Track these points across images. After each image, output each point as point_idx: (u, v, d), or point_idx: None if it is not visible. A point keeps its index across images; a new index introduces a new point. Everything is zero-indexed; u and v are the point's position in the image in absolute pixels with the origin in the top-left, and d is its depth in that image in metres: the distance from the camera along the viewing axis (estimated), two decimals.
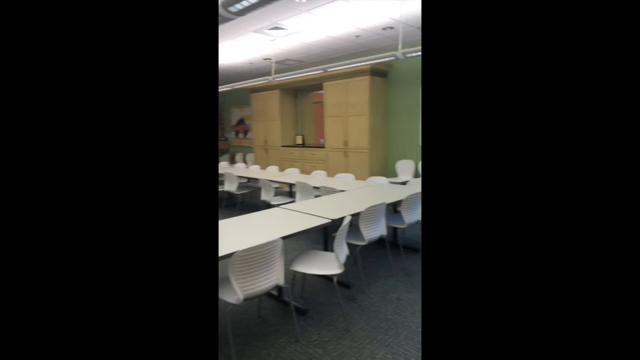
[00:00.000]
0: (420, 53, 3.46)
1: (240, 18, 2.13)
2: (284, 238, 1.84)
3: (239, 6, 1.88)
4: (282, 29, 3.99)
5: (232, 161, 8.46)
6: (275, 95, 6.66)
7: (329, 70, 4.39)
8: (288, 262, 2.03)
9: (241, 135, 8.68)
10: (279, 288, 2.41)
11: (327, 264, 2.10)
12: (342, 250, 2.13)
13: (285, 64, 6.08)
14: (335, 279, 2.07)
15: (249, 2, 1.81)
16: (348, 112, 5.40)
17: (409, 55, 3.49)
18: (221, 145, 9.05)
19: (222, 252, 1.64)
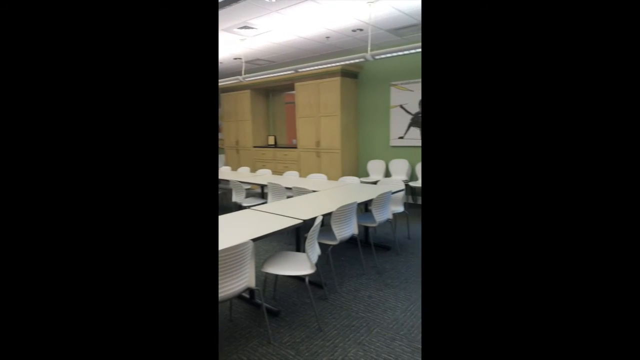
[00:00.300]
0: (389, 55, 3.54)
1: None
2: (255, 240, 1.82)
3: None
4: (252, 28, 3.95)
5: None
6: (246, 95, 6.57)
7: (300, 70, 4.39)
8: (260, 264, 2.01)
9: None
10: (250, 290, 2.38)
11: (299, 265, 2.10)
12: (314, 251, 2.13)
13: (256, 64, 6.02)
14: (307, 279, 2.07)
15: None
16: (320, 113, 5.42)
17: (378, 57, 3.55)
18: None
19: None
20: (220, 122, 7.96)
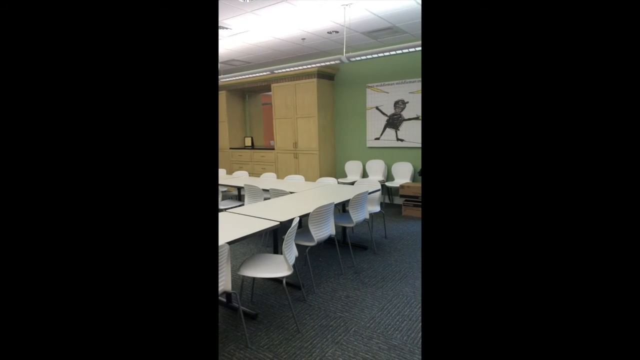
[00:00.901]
0: (364, 57, 3.59)
1: None
2: (231, 243, 1.80)
3: None
4: (227, 28, 3.90)
5: None
6: (222, 96, 6.47)
7: (276, 72, 4.37)
8: (237, 267, 1.98)
9: None
10: (227, 294, 2.35)
11: (276, 267, 2.09)
12: (291, 252, 2.13)
13: (231, 65, 5.95)
14: (284, 281, 2.07)
15: None
16: (297, 114, 5.42)
17: (353, 59, 3.60)
18: None
19: None
20: None
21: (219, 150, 6.78)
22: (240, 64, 5.93)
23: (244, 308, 2.24)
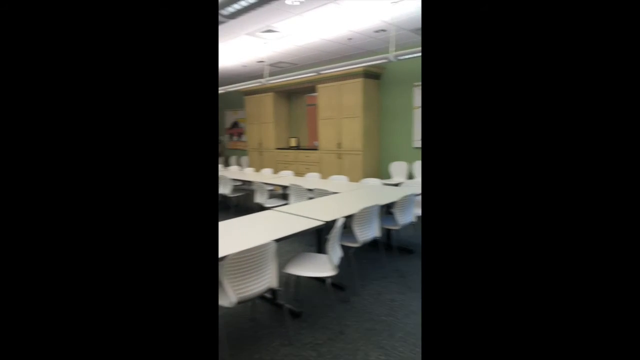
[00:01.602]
0: (412, 55, 3.49)
1: (233, 21, 2.13)
2: (277, 240, 1.83)
3: (231, 9, 1.88)
4: (275, 31, 4.00)
5: (226, 164, 8.43)
6: (269, 98, 6.65)
7: (322, 72, 4.40)
8: (282, 265, 2.02)
9: (235, 138, 8.66)
10: (272, 291, 2.40)
11: (320, 266, 2.10)
12: (335, 252, 2.13)
13: (278, 67, 6.09)
14: (328, 281, 2.07)
15: (240, 5, 1.81)
16: (341, 115, 5.41)
17: (401, 57, 3.51)
18: None
19: (220, 253, 1.63)
20: (243, 124, 8.10)
21: (266, 150, 6.97)
22: (287, 66, 6.06)
23: (288, 305, 2.28)
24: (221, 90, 5.71)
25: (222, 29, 3.29)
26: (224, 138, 8.99)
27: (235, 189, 4.97)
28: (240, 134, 8.45)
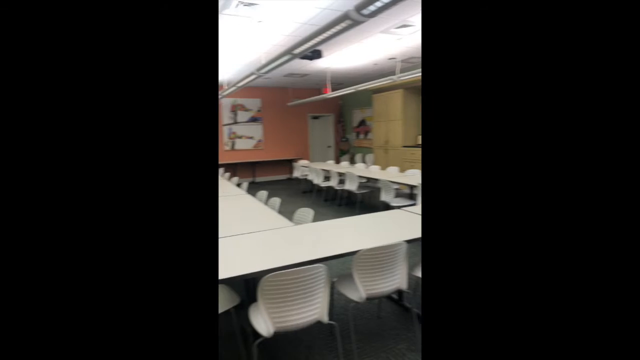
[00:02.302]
0: None
1: (370, 20, 2.15)
2: (408, 242, 1.78)
3: (372, 7, 1.90)
4: (410, 26, 3.88)
5: (352, 161, 8.69)
6: (398, 95, 6.54)
7: None
8: (410, 267, 1.96)
9: (362, 136, 8.84)
10: (399, 292, 2.35)
11: None
12: None
13: (410, 62, 5.91)
14: None
15: (382, 2, 1.81)
16: None
17: None
18: (342, 146, 9.40)
19: (346, 248, 1.69)
20: (370, 122, 8.20)
21: (392, 148, 6.89)
22: (418, 61, 5.83)
23: (416, 310, 2.19)
24: (351, 89, 5.90)
25: (358, 29, 3.38)
26: (350, 136, 9.29)
27: (361, 185, 5.08)
28: (366, 132, 8.58)
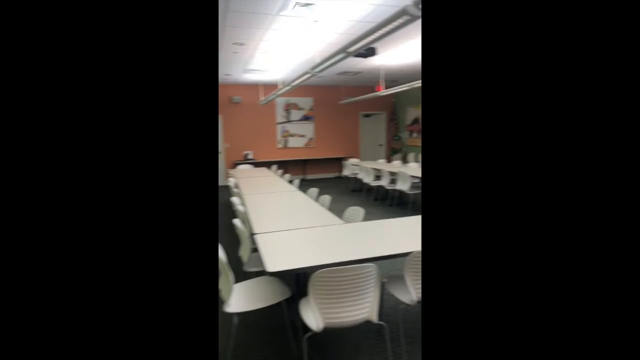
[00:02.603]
0: None
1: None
2: None
3: None
4: None
5: (405, 160, 8.47)
6: None
7: None
8: None
9: (415, 135, 8.58)
10: None
11: None
12: None
13: None
14: None
15: None
16: None
17: None
18: (394, 145, 9.21)
19: (398, 249, 1.66)
20: None
21: None
22: None
23: None
24: (405, 87, 5.74)
25: (415, 24, 3.27)
26: (403, 135, 9.06)
27: (414, 186, 4.93)
28: (419, 131, 8.30)
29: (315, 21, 3.60)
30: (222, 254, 1.69)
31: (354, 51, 3.14)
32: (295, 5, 3.14)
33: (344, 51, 3.16)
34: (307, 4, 3.14)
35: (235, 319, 1.70)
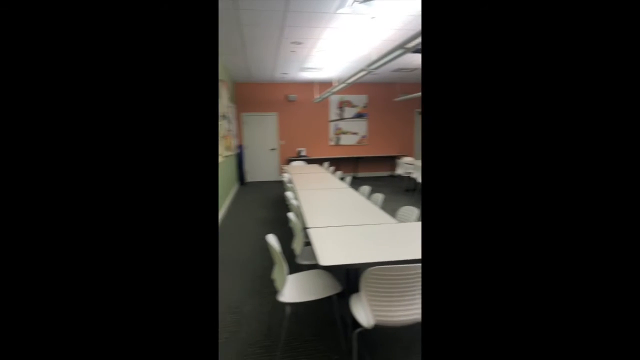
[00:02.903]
0: None
1: None
2: None
3: None
4: None
5: None
6: None
7: None
8: None
9: None
10: None
11: None
12: None
13: None
14: None
15: None
16: None
17: None
18: None
19: None
20: None
21: None
22: None
23: None
24: None
25: None
26: None
27: None
28: None
29: (373, 18, 3.56)
30: (277, 245, 1.76)
31: (413, 47, 3.06)
32: (354, 2, 3.14)
33: (402, 47, 3.09)
34: (366, 0, 3.12)
35: (288, 309, 1.76)
